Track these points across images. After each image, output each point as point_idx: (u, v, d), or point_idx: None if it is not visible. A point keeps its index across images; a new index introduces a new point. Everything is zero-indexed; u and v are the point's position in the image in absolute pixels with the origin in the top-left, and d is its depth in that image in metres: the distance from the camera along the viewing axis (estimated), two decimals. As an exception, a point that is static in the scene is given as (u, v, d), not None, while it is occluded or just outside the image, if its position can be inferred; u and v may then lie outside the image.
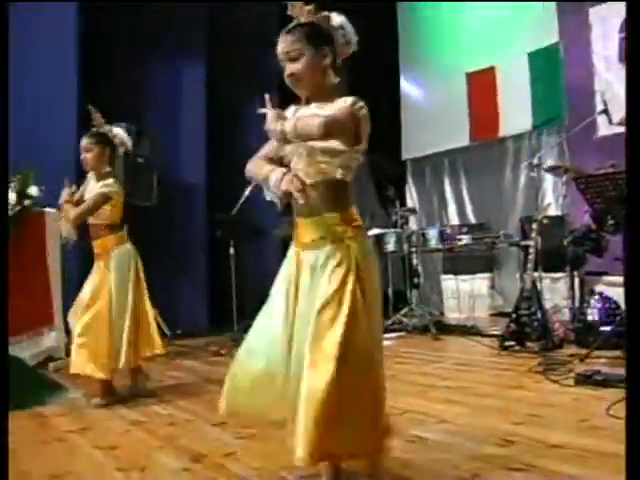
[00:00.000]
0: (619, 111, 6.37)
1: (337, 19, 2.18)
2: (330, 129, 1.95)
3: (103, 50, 6.85)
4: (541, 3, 7.33)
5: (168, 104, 7.22)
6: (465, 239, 6.56)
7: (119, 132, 3.92)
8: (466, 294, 7.89)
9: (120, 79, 6.94)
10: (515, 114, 7.73)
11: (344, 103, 2.07)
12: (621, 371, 3.74)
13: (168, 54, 7.22)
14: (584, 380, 3.57)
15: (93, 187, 3.83)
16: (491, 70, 8.03)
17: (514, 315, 5.06)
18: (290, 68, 2.12)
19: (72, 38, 6.35)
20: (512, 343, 5.03)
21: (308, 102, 2.18)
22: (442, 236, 6.56)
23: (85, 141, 3.80)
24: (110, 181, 3.80)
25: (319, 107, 2.12)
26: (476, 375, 4.13)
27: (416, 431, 2.82)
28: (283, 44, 2.13)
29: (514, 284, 7.22)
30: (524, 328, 5.01)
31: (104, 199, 3.76)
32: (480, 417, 3.03)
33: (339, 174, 2.11)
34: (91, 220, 3.85)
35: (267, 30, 7.74)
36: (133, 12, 7.11)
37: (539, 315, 4.94)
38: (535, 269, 5.31)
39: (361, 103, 2.07)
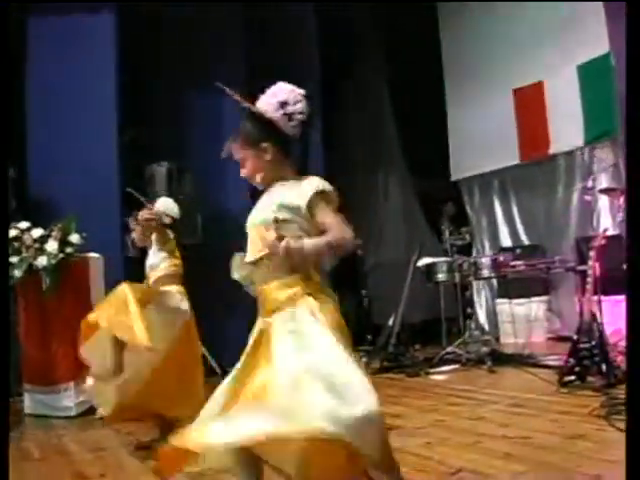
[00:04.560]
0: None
1: (270, 103, 2.28)
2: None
3: (143, 85, 6.84)
4: (587, 12, 7.04)
5: (210, 138, 7.15)
6: (519, 265, 6.32)
7: (161, 206, 4.32)
8: (522, 318, 7.62)
9: (161, 114, 6.93)
10: (566, 130, 7.47)
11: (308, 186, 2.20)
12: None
13: (209, 87, 7.15)
14: (652, 429, 3.32)
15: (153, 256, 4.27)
16: (539, 85, 7.79)
17: (573, 349, 4.82)
18: (241, 172, 2.38)
19: (111, 74, 6.38)
20: (572, 378, 4.79)
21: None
22: (494, 264, 6.31)
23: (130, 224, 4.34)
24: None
25: (282, 187, 2.28)
26: (535, 420, 3.90)
27: (470, 498, 2.64)
28: (233, 153, 2.38)
29: (572, 306, 6.95)
30: (583, 361, 4.77)
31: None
32: (540, 478, 2.83)
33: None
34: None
35: (306, 61, 7.66)
36: (173, 44, 7.11)
37: (600, 348, 4.69)
38: (594, 294, 5.07)
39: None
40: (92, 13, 6.34)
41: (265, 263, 2.22)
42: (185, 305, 4.15)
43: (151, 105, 6.96)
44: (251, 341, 2.25)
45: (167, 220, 4.31)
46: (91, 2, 6.30)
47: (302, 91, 2.31)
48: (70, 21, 6.31)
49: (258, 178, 2.34)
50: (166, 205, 4.39)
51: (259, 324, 2.26)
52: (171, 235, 4.32)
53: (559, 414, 4.01)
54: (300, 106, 2.27)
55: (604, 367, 4.62)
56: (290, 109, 2.26)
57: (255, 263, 2.26)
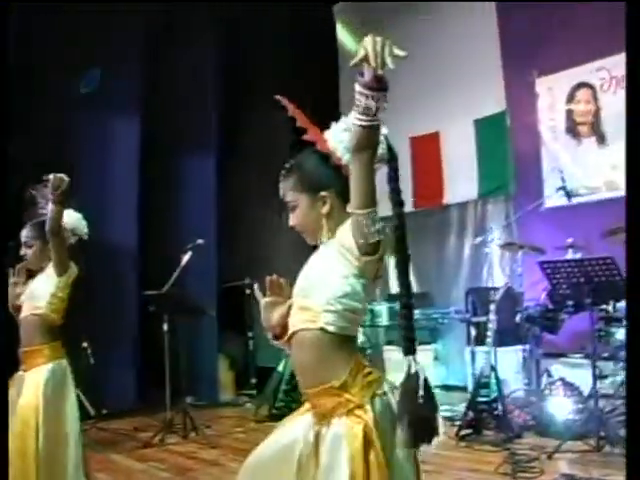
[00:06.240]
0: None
1: (340, 141, 1.77)
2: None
3: (25, 93, 6.28)
4: (487, 70, 7.20)
5: (97, 162, 6.67)
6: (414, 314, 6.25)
7: (70, 218, 3.17)
8: (410, 366, 7.56)
9: (45, 129, 6.34)
10: (460, 181, 7.54)
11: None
12: (595, 473, 3.49)
13: (99, 107, 6.65)
14: (562, 489, 3.27)
15: (38, 284, 3.16)
16: (435, 135, 7.85)
17: (471, 401, 4.77)
18: (291, 219, 1.84)
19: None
20: (469, 431, 4.73)
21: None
22: (391, 312, 6.24)
23: (24, 234, 3.17)
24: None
25: (326, 247, 1.78)
26: (439, 478, 3.76)
27: None
28: (281, 190, 1.84)
29: (458, 355, 6.96)
30: (482, 414, 4.73)
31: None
32: None
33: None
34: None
35: (205, 85, 7.38)
36: (65, 61, 6.61)
37: (498, 403, 4.66)
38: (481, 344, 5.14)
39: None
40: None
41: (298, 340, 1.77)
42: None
43: (38, 121, 6.37)
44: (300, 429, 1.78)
45: (73, 240, 3.23)
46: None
47: (384, 129, 1.65)
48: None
49: (308, 236, 1.84)
50: (75, 221, 3.25)
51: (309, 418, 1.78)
52: (74, 269, 3.20)
53: (461, 471, 3.90)
54: (380, 149, 1.68)
55: (502, 421, 4.59)
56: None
57: (289, 339, 1.81)
